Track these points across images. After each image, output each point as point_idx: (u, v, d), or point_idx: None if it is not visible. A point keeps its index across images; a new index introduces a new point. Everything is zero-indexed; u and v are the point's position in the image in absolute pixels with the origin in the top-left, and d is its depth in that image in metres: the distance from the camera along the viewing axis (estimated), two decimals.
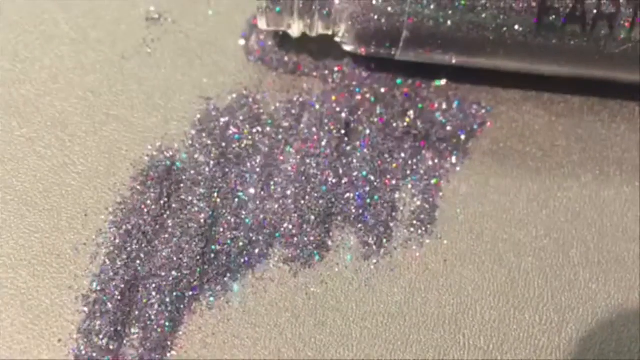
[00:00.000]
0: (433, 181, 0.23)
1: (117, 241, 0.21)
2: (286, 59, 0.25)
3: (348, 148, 0.24)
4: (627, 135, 0.24)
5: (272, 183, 0.23)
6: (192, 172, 0.23)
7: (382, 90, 0.25)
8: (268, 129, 0.24)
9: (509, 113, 0.24)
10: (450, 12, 0.22)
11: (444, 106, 0.24)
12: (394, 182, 0.23)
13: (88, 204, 0.22)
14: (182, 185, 0.22)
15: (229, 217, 0.22)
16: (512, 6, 0.22)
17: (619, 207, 0.23)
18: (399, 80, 0.25)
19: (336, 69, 0.25)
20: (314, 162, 0.23)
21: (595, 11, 0.22)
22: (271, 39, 0.25)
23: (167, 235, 0.22)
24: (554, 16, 0.22)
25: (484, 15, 0.22)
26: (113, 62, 0.25)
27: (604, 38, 0.22)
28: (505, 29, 0.22)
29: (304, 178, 0.23)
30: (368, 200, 0.23)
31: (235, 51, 0.25)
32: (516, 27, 0.22)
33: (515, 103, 0.25)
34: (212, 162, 0.23)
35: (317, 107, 0.24)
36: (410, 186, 0.23)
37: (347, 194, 0.23)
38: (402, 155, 0.24)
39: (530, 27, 0.22)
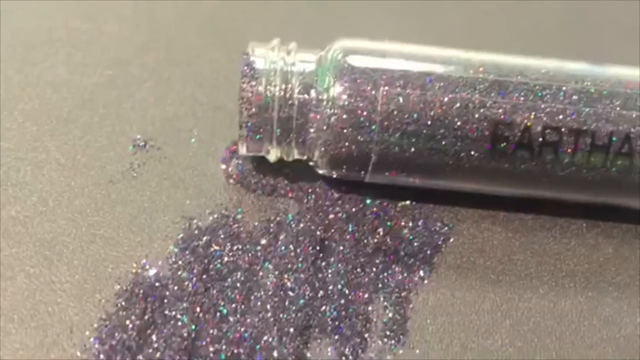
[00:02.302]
0: (403, 294, 0.25)
1: (101, 357, 0.22)
2: (264, 181, 0.27)
3: (323, 264, 0.25)
4: (577, 250, 0.26)
5: (252, 297, 0.24)
6: (175, 288, 0.24)
7: (353, 209, 0.27)
8: (247, 246, 0.25)
9: (469, 230, 0.27)
10: (413, 139, 0.25)
11: (411, 224, 0.26)
12: (366, 295, 0.24)
13: (73, 321, 0.23)
14: (165, 300, 0.23)
15: (211, 331, 0.23)
16: (468, 134, 0.25)
17: (576, 316, 0.24)
18: (368, 201, 0.27)
19: (310, 190, 0.27)
20: (292, 277, 0.24)
21: (540, 139, 0.24)
22: (249, 164, 0.28)
23: (150, 350, 0.22)
24: (504, 143, 0.25)
25: (443, 142, 0.25)
26: (100, 185, 0.27)
27: (550, 162, 0.25)
28: (462, 154, 0.25)
29: (282, 292, 0.24)
30: (343, 313, 0.24)
31: (216, 175, 0.27)
32: (472, 152, 0.25)
33: (475, 221, 0.27)
34: (194, 279, 0.24)
35: (293, 225, 0.26)
36: (382, 299, 0.24)
37: (324, 307, 0.24)
38: (374, 269, 0.25)
39: (484, 153, 0.25)
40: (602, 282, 0.25)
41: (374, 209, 0.27)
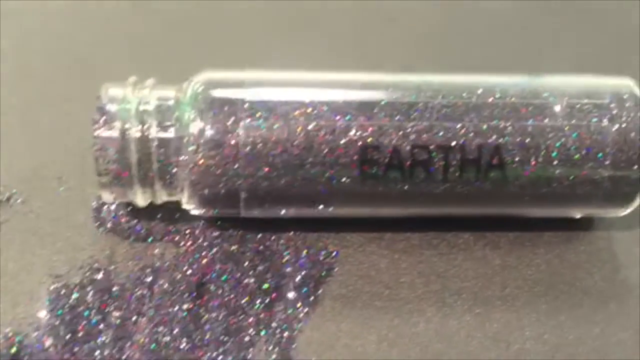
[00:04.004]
0: (286, 333, 0.24)
1: None
2: (137, 227, 0.26)
3: (201, 310, 0.24)
4: (464, 265, 0.26)
5: (124, 357, 0.22)
6: (41, 355, 0.22)
7: (233, 247, 0.25)
8: (120, 301, 0.24)
9: (355, 255, 0.26)
10: (281, 171, 0.24)
11: (294, 257, 0.25)
12: (247, 338, 0.23)
13: None
14: None
15: None
16: (337, 161, 0.24)
17: (463, 336, 0.24)
18: (248, 236, 0.26)
19: (188, 231, 0.26)
20: (167, 329, 0.23)
21: (410, 159, 0.24)
22: (122, 209, 0.26)
23: None
24: (375, 166, 0.24)
25: (312, 171, 0.24)
26: None
27: (422, 181, 0.24)
28: (333, 181, 0.24)
29: (156, 347, 0.23)
30: None
31: (87, 225, 0.26)
32: (343, 179, 0.24)
33: (360, 245, 0.26)
34: (60, 344, 0.22)
35: (170, 271, 0.25)
36: (264, 340, 0.23)
37: (202, 358, 0.23)
38: (255, 310, 0.24)
39: (355, 178, 0.24)
40: (490, 297, 0.25)
41: (254, 245, 0.26)
